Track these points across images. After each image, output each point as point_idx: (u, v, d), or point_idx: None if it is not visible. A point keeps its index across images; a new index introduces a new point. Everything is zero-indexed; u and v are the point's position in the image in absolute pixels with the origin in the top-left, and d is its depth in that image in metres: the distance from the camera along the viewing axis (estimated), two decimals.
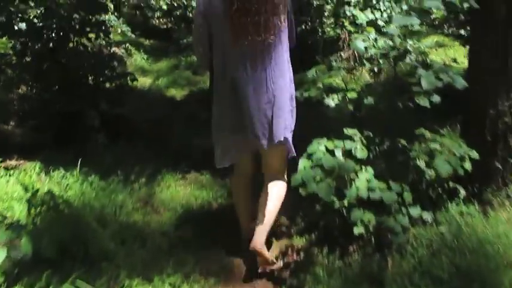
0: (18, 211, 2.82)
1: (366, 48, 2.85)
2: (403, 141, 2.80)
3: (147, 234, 3.14)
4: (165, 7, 14.23)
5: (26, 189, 2.86)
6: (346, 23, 8.09)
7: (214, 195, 3.79)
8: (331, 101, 2.77)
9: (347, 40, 8.25)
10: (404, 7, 8.68)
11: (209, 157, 3.25)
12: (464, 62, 8.32)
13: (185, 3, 13.74)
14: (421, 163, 2.74)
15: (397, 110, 2.81)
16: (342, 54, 8.26)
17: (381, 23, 8.08)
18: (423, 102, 2.59)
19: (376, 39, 2.91)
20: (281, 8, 2.37)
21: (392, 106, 2.79)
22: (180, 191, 3.85)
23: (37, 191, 2.74)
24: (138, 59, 10.00)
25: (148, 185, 3.89)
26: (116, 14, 10.48)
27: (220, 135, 2.66)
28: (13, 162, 3.82)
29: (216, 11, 2.33)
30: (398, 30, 2.68)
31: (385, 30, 2.91)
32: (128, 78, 5.93)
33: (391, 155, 2.69)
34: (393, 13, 8.38)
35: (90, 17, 4.81)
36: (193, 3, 14.05)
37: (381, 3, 8.33)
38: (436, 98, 2.61)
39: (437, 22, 12.70)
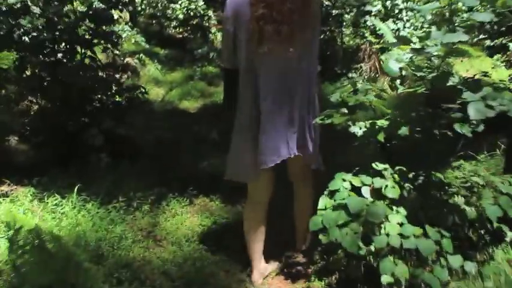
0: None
1: (400, 69, 2.43)
2: (440, 175, 2.39)
3: (146, 273, 2.77)
4: (181, 16, 14.00)
5: (8, 226, 2.51)
6: (367, 33, 7.67)
7: (225, 225, 3.41)
8: (358, 129, 2.38)
9: (368, 51, 7.85)
10: (429, 17, 8.26)
11: (219, 181, 3.03)
12: (494, 75, 7.93)
13: (201, 12, 13.49)
14: (461, 200, 2.34)
15: (432, 138, 2.40)
16: (363, 65, 7.86)
17: (403, 33, 7.68)
18: (466, 131, 2.17)
19: (411, 59, 2.49)
20: (309, 23, 2.28)
21: (427, 134, 2.38)
22: (186, 220, 3.47)
23: (21, 227, 2.39)
24: (151, 69, 9.70)
25: (152, 212, 3.52)
26: (130, 23, 10.18)
27: (243, 141, 2.51)
28: (5, 188, 3.48)
29: (244, 17, 2.26)
30: (439, 49, 2.26)
31: (417, 46, 2.52)
32: (138, 92, 5.69)
33: (426, 193, 2.28)
34: (416, 23, 7.97)
35: (98, 28, 4.49)
36: (210, 13, 13.80)
37: (404, 12, 7.91)
38: (481, 127, 2.20)
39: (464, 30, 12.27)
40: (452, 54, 2.34)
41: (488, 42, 9.92)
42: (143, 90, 5.98)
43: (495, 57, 8.66)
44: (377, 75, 7.85)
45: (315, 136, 2.50)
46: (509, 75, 6.94)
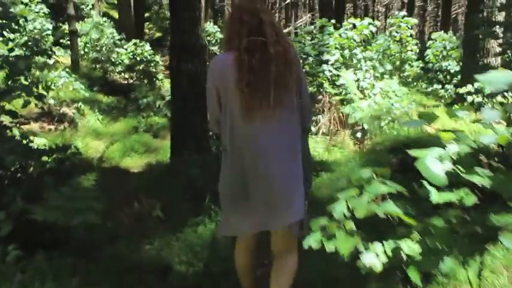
0: None
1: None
2: None
3: None
4: (126, 61, 13.20)
5: None
6: (326, 84, 7.11)
7: None
8: (374, 258, 1.59)
9: (327, 103, 7.27)
10: (388, 67, 7.85)
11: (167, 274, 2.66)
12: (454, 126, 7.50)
13: (148, 57, 12.74)
14: None
15: None
16: (321, 117, 7.27)
17: (364, 84, 7.20)
18: None
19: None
20: (294, 81, 2.24)
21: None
22: None
23: None
24: (92, 120, 8.76)
25: None
26: (67, 69, 9.24)
27: (229, 205, 2.38)
28: None
29: (228, 83, 2.19)
30: None
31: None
32: (68, 153, 4.83)
33: None
34: (376, 73, 7.52)
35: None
36: (157, 58, 13.06)
37: (362, 62, 7.45)
38: None
39: (410, 79, 12.14)
40: None
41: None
42: (76, 150, 5.10)
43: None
44: (337, 129, 7.27)
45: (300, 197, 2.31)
46: None
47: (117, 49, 13.28)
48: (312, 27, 8.07)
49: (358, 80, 7.13)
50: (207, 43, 5.05)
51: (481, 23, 8.07)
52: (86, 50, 13.16)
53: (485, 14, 8.08)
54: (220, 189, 2.36)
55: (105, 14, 20.66)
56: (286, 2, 23.67)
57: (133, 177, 5.69)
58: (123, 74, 13.07)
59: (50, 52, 5.34)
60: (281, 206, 2.24)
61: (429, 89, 10.00)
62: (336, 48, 7.68)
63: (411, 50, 11.95)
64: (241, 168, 2.24)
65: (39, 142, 6.44)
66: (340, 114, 7.20)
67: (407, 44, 11.97)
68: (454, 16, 30.49)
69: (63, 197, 3.34)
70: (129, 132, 8.59)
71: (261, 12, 2.25)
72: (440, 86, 9.92)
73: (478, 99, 7.97)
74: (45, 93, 5.05)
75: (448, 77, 10.41)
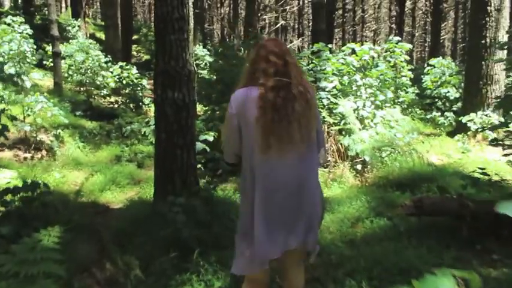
0: None
1: None
2: None
3: None
4: (112, 85, 12.61)
5: None
6: (324, 112, 6.56)
7: None
8: None
9: (325, 133, 6.71)
10: (390, 95, 7.34)
11: None
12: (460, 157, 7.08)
13: (135, 81, 12.16)
14: None
15: None
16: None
17: (364, 113, 6.67)
18: None
19: None
20: (313, 120, 2.32)
21: None
22: None
23: None
24: (71, 147, 8.08)
25: None
26: (45, 94, 8.61)
27: (245, 239, 2.37)
28: None
29: (250, 116, 2.24)
30: None
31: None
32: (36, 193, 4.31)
33: None
34: (377, 101, 7.00)
35: None
36: (144, 82, 12.48)
37: (362, 89, 6.94)
38: None
39: (406, 105, 11.69)
40: None
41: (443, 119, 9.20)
42: (47, 189, 4.53)
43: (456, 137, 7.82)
44: (335, 161, 6.71)
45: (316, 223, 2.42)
46: None
47: (102, 72, 12.68)
48: (309, 51, 7.56)
49: (357, 109, 6.60)
50: (196, 69, 4.47)
51: (484, 49, 7.63)
52: (70, 72, 12.53)
53: (487, 39, 7.66)
54: (238, 226, 2.43)
55: (92, 36, 20.13)
56: (277, 26, 23.36)
57: (112, 218, 5.04)
58: (108, 98, 12.47)
59: (23, 76, 4.76)
60: (299, 229, 2.31)
61: (428, 116, 9.50)
62: (333, 74, 7.19)
63: (405, 76, 11.53)
64: (260, 196, 2.26)
65: (8, 175, 5.79)
66: (339, 145, 6.64)
67: (402, 69, 11.55)
68: (441, 41, 30.47)
69: (16, 260, 2.70)
70: (111, 162, 7.94)
71: (286, 54, 2.34)
72: (439, 113, 9.44)
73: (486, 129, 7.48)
74: (9, 123, 4.44)
75: (447, 104, 9.95)
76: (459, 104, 9.69)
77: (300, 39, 25.86)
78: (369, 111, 6.58)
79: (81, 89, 12.56)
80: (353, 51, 7.37)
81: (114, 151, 8.34)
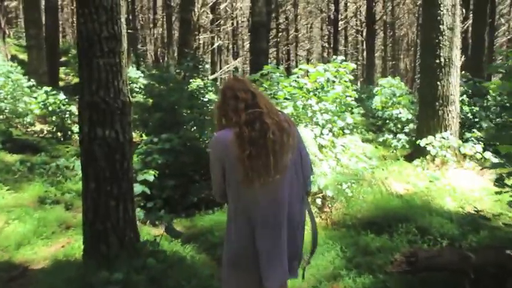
0: None
1: None
2: None
3: None
4: (37, 111, 11.25)
5: None
6: None
7: None
8: None
9: None
10: (349, 120, 6.69)
11: None
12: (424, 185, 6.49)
13: (62, 108, 10.87)
14: None
15: None
16: None
17: (323, 141, 5.95)
18: None
19: None
20: (291, 147, 2.32)
21: None
22: None
23: None
24: None
25: None
26: None
27: (233, 273, 2.40)
28: None
29: (231, 157, 2.28)
30: None
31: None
32: None
33: None
34: (335, 128, 6.33)
35: None
36: (73, 109, 11.21)
37: (319, 115, 6.24)
38: None
39: (352, 127, 11.21)
40: None
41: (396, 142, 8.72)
42: None
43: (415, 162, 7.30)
44: None
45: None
46: None
47: (25, 98, 11.32)
48: (258, 74, 6.78)
49: (315, 137, 5.88)
50: (131, 99, 3.52)
51: (439, 69, 7.20)
52: None
53: (442, 59, 7.24)
54: (225, 257, 2.40)
55: (14, 58, 18.43)
56: (213, 46, 22.60)
57: (30, 285, 3.94)
58: (32, 127, 11.10)
59: None
60: (281, 265, 2.29)
61: (380, 139, 9.01)
62: (285, 99, 6.44)
63: (350, 96, 11.09)
64: (245, 235, 2.30)
65: None
66: None
67: (346, 89, 11.09)
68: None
69: None
70: (34, 204, 6.72)
71: (251, 87, 2.39)
72: (391, 136, 8.97)
73: (443, 151, 7.00)
74: None
75: (399, 125, 9.51)
76: (411, 126, 9.29)
77: (239, 59, 25.23)
78: (328, 138, 5.88)
79: (0, 117, 11.10)
80: (306, 73, 6.69)
81: (37, 191, 7.09)
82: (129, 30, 20.80)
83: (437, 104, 7.32)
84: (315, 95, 6.37)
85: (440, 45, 7.18)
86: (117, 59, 3.53)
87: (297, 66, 9.60)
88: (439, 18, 7.14)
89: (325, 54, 39.10)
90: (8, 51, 17.23)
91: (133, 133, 10.91)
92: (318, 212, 5.63)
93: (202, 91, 9.72)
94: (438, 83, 7.24)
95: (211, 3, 19.59)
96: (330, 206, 5.73)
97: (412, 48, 38.63)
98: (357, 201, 5.58)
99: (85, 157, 3.61)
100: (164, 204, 6.40)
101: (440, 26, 7.14)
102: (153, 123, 7.70)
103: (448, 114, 7.30)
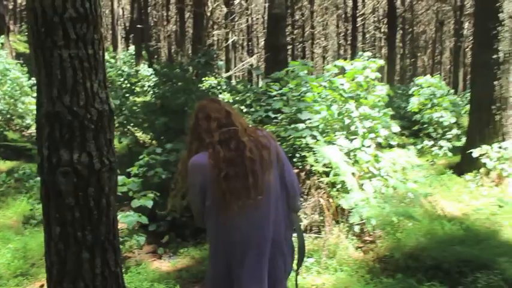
0: None
1: None
2: None
3: None
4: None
5: None
6: (309, 158, 4.63)
7: None
8: None
9: (311, 183, 4.79)
10: (395, 129, 5.49)
11: None
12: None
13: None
14: None
15: None
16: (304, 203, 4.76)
17: (364, 156, 4.77)
18: None
19: None
20: (271, 164, 2.17)
21: None
22: None
23: None
24: None
25: None
26: None
27: None
28: None
29: (208, 180, 2.14)
30: None
31: None
32: None
33: None
34: (378, 139, 5.14)
35: None
36: None
37: (358, 123, 5.05)
38: None
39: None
40: None
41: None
42: None
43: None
44: (322, 219, 4.75)
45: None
46: None
47: (24, 98, 10.34)
48: (283, 72, 5.60)
49: (354, 150, 4.70)
50: (112, 106, 2.33)
51: (497, 66, 5.98)
52: None
53: (500, 53, 6.01)
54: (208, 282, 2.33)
55: (22, 55, 17.53)
56: (228, 42, 21.46)
57: None
58: (30, 130, 10.11)
59: None
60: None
61: (418, 146, 7.79)
62: (314, 101, 5.27)
63: (378, 96, 9.87)
64: (226, 258, 2.18)
65: None
66: (329, 200, 4.72)
67: (374, 89, 9.88)
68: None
69: None
70: (17, 223, 5.69)
71: (225, 105, 2.27)
72: (431, 142, 7.74)
73: (502, 164, 5.79)
74: None
75: (440, 130, 8.26)
76: (454, 131, 8.05)
77: (255, 56, 24.04)
78: (370, 152, 4.69)
79: None
80: (343, 71, 5.52)
81: (23, 208, 6.03)
82: (141, 26, 19.75)
83: (493, 107, 6.11)
84: (352, 97, 5.19)
85: (499, 37, 5.95)
86: (90, 49, 2.39)
87: None
88: (498, 4, 5.91)
89: (341, 52, 37.86)
90: (12, 48, 16.31)
91: (143, 135, 9.64)
92: (359, 245, 4.48)
93: (215, 91, 8.63)
94: (495, 82, 6.03)
95: None
96: (369, 233, 4.57)
97: (431, 46, 37.13)
98: (407, 233, 4.40)
99: (45, 191, 2.49)
100: (169, 228, 5.30)
101: (500, 15, 5.90)
102: (158, 128, 6.60)
103: (507, 120, 6.08)
